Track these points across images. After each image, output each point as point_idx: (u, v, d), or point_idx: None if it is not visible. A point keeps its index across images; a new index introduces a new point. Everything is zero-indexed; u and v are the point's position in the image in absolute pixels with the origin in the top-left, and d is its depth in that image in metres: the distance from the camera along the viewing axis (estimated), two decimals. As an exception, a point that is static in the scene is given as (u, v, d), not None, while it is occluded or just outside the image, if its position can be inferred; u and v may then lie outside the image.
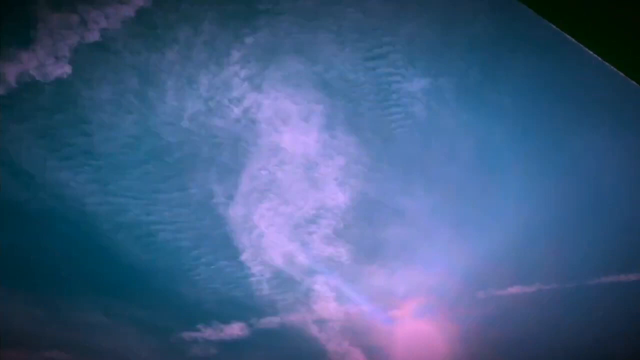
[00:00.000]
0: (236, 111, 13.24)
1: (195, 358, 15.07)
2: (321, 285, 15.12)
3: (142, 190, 13.56)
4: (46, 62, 11.62)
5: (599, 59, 2.82)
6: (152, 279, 14.42)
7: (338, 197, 14.32)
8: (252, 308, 14.95)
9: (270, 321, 15.08)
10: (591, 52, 2.81)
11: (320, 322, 15.37)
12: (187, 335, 14.79)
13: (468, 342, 15.66)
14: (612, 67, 2.82)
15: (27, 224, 13.26)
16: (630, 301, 14.63)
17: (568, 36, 2.81)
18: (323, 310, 15.28)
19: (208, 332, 14.80)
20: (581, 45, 2.81)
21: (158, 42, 12.31)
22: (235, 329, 14.89)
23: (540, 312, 15.30)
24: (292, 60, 13.11)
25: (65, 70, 11.85)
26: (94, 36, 11.75)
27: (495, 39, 13.03)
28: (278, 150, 13.83)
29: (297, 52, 13.05)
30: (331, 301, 15.25)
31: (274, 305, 15.04)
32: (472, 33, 13.00)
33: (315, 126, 13.70)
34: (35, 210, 13.05)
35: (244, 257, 14.49)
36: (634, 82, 2.78)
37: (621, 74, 2.80)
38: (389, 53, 13.10)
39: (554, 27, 2.80)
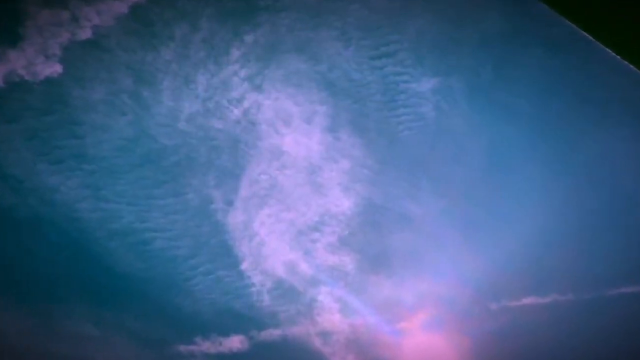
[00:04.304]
0: (235, 112, 13.31)
1: (192, 372, 15.11)
2: (325, 296, 15.16)
3: (137, 196, 13.61)
4: (35, 61, 11.69)
5: (618, 57, 2.85)
6: (146, 289, 14.44)
7: (342, 202, 14.36)
8: (253, 320, 14.98)
9: (271, 334, 15.10)
10: (609, 50, 2.84)
11: (324, 334, 15.39)
12: (184, 348, 14.81)
13: (480, 356, 15.66)
14: (631, 66, 2.85)
15: (15, 231, 13.30)
16: (652, 313, 14.65)
17: (585, 33, 2.84)
18: (327, 323, 15.30)
19: (206, 345, 14.82)
20: (598, 43, 2.84)
21: (153, 40, 12.39)
22: (235, 342, 14.91)
23: (556, 325, 15.30)
24: (294, 59, 13.19)
25: (55, 69, 11.92)
26: (85, 34, 11.83)
27: (507, 35, 13.09)
28: (279, 154, 13.89)
29: (299, 50, 13.14)
30: (335, 313, 15.28)
31: (276, 316, 15.07)
32: (484, 29, 13.07)
33: (319, 128, 13.76)
34: (24, 216, 13.09)
35: (243, 266, 14.53)
36: (654, 82, 2.81)
37: (641, 73, 2.83)
38: (396, 51, 13.17)
39: (570, 23, 2.83)
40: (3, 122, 12.23)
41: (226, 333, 14.89)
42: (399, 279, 15.22)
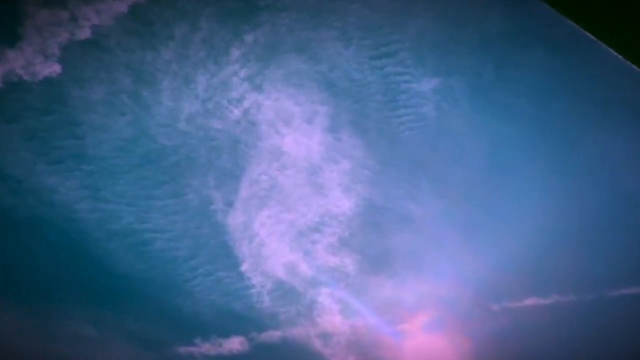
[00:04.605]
0: (235, 112, 13.35)
1: (192, 374, 15.11)
2: (325, 297, 15.17)
3: (136, 197, 13.64)
4: (34, 61, 11.73)
5: (619, 56, 2.89)
6: (146, 290, 14.46)
7: (343, 203, 14.39)
8: (253, 321, 14.98)
9: (271, 335, 15.11)
10: (610, 49, 2.89)
11: (325, 336, 15.40)
12: (184, 349, 14.82)
13: (481, 357, 15.68)
14: (633, 65, 2.89)
15: (13, 232, 13.33)
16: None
17: (587, 33, 2.89)
18: (327, 324, 15.32)
19: (206, 347, 14.83)
20: (600, 43, 2.89)
21: (153, 40, 12.44)
22: (235, 343, 14.92)
23: (558, 326, 15.32)
24: (294, 58, 13.23)
25: (54, 69, 11.96)
26: (85, 33, 11.86)
27: (508, 35, 13.14)
28: (279, 154, 13.92)
29: (300, 50, 13.18)
30: (336, 314, 15.30)
31: (276, 318, 15.08)
32: (484, 29, 13.12)
33: (319, 128, 13.79)
34: (23, 217, 13.12)
35: (243, 267, 14.55)
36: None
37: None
38: (397, 51, 13.21)
39: (571, 22, 2.88)
40: (2, 123, 12.28)
41: (226, 334, 14.90)
42: (399, 279, 15.25)
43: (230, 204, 14.09)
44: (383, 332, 15.73)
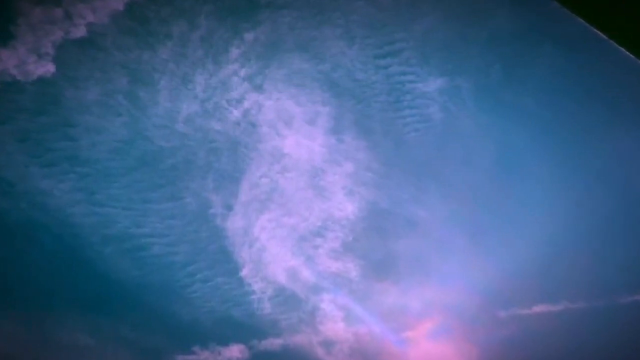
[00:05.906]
0: (235, 113, 13.38)
1: (190, 383, 15.12)
2: (328, 304, 15.20)
3: (132, 200, 13.66)
4: (28, 60, 11.76)
5: (631, 56, 2.90)
6: (143, 297, 14.49)
7: (346, 207, 14.41)
8: (253, 329, 15.01)
9: (272, 343, 15.13)
10: (622, 49, 2.90)
11: (327, 344, 15.41)
12: (182, 358, 14.85)
13: (488, 366, 15.69)
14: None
15: (5, 236, 13.35)
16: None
17: (597, 31, 2.90)
18: (330, 331, 15.33)
19: (204, 355, 14.85)
20: (611, 41, 2.90)
21: (150, 38, 12.46)
22: (234, 352, 14.94)
23: (568, 333, 15.33)
24: (295, 58, 13.26)
25: (48, 68, 11.99)
26: (79, 32, 11.90)
27: (517, 34, 13.17)
28: (281, 156, 13.95)
29: (302, 49, 13.20)
30: (339, 321, 15.32)
31: (277, 325, 15.11)
32: (492, 28, 13.14)
33: (321, 130, 13.82)
34: (16, 221, 13.14)
35: (243, 272, 14.58)
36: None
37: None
38: (402, 50, 13.24)
39: (582, 21, 2.89)
40: (-6, 124, 12.31)
41: (225, 342, 14.92)
42: (404, 285, 15.26)
43: (229, 208, 14.12)
44: (387, 340, 15.75)
